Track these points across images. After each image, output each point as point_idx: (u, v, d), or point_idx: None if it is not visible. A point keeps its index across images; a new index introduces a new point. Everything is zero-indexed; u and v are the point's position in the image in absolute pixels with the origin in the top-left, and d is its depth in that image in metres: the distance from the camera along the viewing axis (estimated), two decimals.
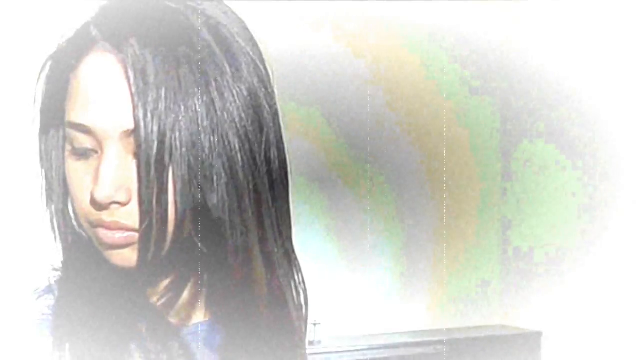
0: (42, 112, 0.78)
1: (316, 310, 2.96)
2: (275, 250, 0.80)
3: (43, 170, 0.81)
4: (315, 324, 3.12)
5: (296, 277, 0.85)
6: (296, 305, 0.84)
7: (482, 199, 3.70)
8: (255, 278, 0.79)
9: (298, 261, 0.86)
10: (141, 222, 0.73)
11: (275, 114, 0.78)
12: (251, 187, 0.75)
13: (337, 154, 3.37)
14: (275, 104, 0.78)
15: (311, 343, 3.11)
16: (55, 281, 0.83)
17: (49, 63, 0.76)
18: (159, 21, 0.71)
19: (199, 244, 0.74)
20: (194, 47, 0.71)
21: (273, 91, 0.78)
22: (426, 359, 3.23)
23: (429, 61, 3.57)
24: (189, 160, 0.70)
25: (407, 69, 3.51)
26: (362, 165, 3.43)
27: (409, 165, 3.53)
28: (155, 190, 0.70)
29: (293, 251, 0.85)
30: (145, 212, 0.72)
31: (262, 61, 0.78)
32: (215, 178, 0.72)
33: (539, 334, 3.45)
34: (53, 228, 0.81)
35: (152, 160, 0.70)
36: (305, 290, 0.87)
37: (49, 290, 0.82)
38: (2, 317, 0.80)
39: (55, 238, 0.81)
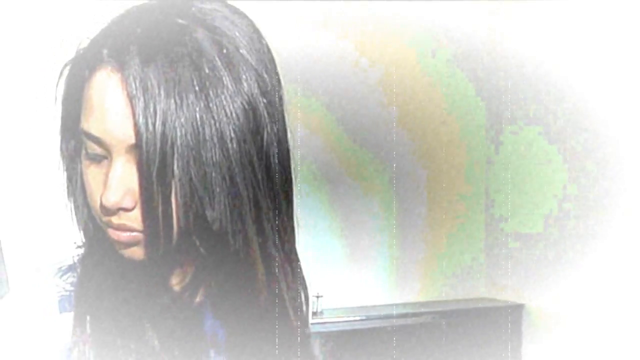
0: (62, 112, 0.77)
1: (319, 284, 2.98)
2: (276, 254, 0.77)
3: (64, 166, 0.80)
4: (318, 297, 3.14)
5: (296, 280, 0.82)
6: (295, 306, 0.82)
7: (468, 183, 3.70)
8: (255, 280, 0.77)
9: (299, 263, 0.83)
10: (145, 231, 0.71)
11: (276, 123, 0.74)
12: (251, 196, 0.72)
13: (338, 143, 3.37)
14: (277, 112, 0.74)
15: (314, 314, 3.13)
16: (77, 260, 0.82)
17: (68, 67, 0.75)
18: (165, 38, 0.69)
19: (201, 249, 0.72)
20: (196, 64, 0.68)
21: (277, 99, 0.75)
22: (418, 328, 3.23)
23: (423, 56, 3.55)
24: (190, 174, 0.68)
25: (404, 64, 3.50)
26: (361, 152, 3.44)
27: (403, 155, 3.53)
28: (160, 204, 0.69)
29: (294, 254, 0.82)
30: (149, 225, 0.70)
31: (269, 70, 0.74)
32: (215, 190, 0.69)
33: (521, 306, 3.46)
34: (74, 217, 0.81)
35: (154, 176, 0.68)
36: (305, 290, 0.84)
37: (71, 268, 0.82)
38: (28, 292, 0.80)
39: (77, 225, 0.81)
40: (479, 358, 3.33)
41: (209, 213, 0.69)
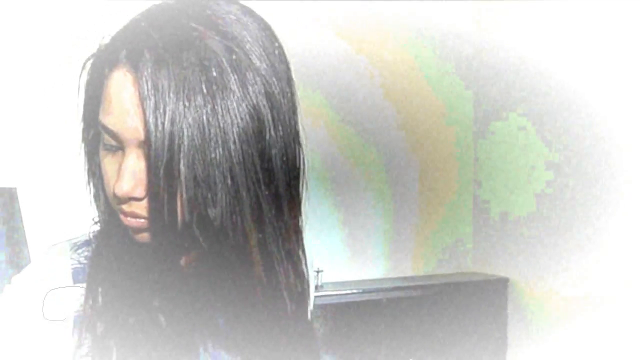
0: (84, 103, 0.77)
1: (320, 260, 3.00)
2: (275, 251, 0.76)
3: (85, 152, 0.81)
4: (318, 272, 3.16)
5: (297, 277, 0.80)
6: (294, 301, 0.80)
7: (457, 168, 3.71)
8: (253, 274, 0.75)
9: (303, 262, 0.81)
10: (151, 222, 0.71)
11: (282, 126, 0.72)
12: (252, 196, 0.70)
13: (337, 132, 3.38)
14: (283, 116, 0.73)
15: (315, 288, 3.14)
16: (93, 236, 0.83)
17: (90, 61, 0.75)
18: (178, 43, 0.68)
19: (202, 242, 0.71)
20: (206, 68, 0.67)
21: (286, 102, 0.73)
22: (410, 301, 3.25)
23: (416, 52, 3.56)
24: (194, 173, 0.67)
25: (398, 60, 3.50)
26: (358, 140, 3.45)
27: (397, 143, 3.54)
28: (165, 198, 0.69)
29: (297, 253, 0.80)
30: (154, 217, 0.70)
31: (279, 74, 0.72)
32: (217, 189, 0.68)
33: (505, 280, 3.48)
34: (92, 199, 0.82)
35: (161, 172, 0.67)
36: (305, 286, 0.82)
37: (87, 243, 0.83)
38: (45, 263, 0.81)
39: (95, 206, 0.82)
40: (467, 327, 3.36)
41: (210, 210, 0.69)
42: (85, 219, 0.86)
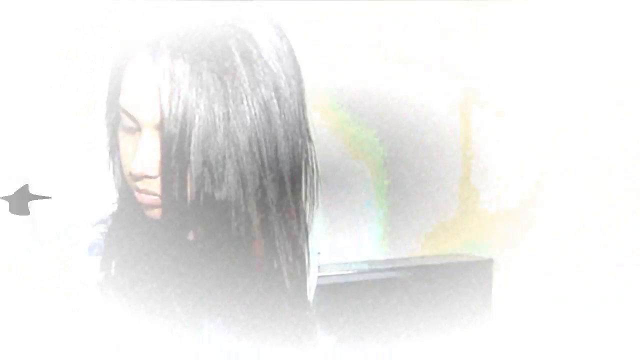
0: (109, 87, 0.79)
1: (319, 243, 2.96)
2: (278, 231, 0.77)
3: (107, 133, 0.83)
4: (317, 253, 3.16)
5: (295, 257, 0.80)
6: (293, 280, 0.81)
7: (446, 157, 3.72)
8: (254, 254, 0.77)
9: (304, 244, 0.82)
10: (162, 200, 0.73)
11: (289, 118, 0.74)
12: (257, 180, 0.72)
13: (335, 119, 3.39)
14: (290, 109, 0.74)
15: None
16: (110, 214, 0.85)
17: (118, 47, 0.77)
18: (195, 36, 0.70)
19: (208, 220, 0.73)
20: (219, 62, 0.70)
21: (295, 97, 0.75)
22: (400, 281, 3.27)
23: (411, 49, 3.56)
24: (203, 157, 0.69)
25: (392, 53, 3.51)
26: (353, 125, 3.46)
27: (392, 132, 3.55)
28: (176, 178, 0.70)
29: (298, 235, 0.80)
30: (166, 196, 0.72)
31: (288, 72, 0.75)
32: (224, 173, 0.70)
33: (490, 261, 3.49)
34: (113, 177, 0.84)
35: (173, 154, 0.69)
36: (307, 266, 0.83)
37: (103, 221, 0.85)
38: (62, 237, 0.83)
39: (114, 184, 0.84)
40: (456, 304, 3.38)
41: (216, 192, 0.70)
42: (98, 211, 0.88)
